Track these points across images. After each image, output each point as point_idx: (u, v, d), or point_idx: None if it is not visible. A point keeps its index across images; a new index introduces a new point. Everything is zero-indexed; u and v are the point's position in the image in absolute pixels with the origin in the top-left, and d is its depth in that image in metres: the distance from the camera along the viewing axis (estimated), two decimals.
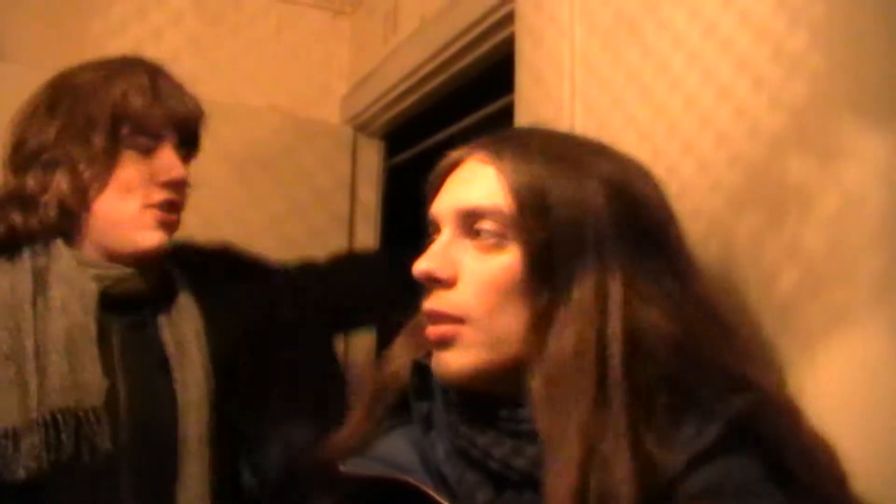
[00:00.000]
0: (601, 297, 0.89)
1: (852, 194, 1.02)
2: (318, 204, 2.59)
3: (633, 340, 0.88)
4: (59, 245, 1.43)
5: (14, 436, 1.29)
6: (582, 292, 0.89)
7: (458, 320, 0.94)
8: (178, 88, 1.52)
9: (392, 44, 2.65)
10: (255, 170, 2.50)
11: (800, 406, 0.97)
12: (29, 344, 1.34)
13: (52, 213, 1.42)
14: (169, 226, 1.47)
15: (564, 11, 1.59)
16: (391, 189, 2.91)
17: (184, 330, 1.49)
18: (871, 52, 1.03)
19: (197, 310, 1.53)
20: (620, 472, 0.83)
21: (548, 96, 1.61)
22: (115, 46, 2.57)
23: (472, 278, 0.94)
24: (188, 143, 1.52)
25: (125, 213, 1.44)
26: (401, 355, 1.08)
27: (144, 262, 1.47)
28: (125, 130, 1.44)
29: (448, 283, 0.95)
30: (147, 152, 1.46)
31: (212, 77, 2.68)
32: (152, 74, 1.51)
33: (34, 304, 1.38)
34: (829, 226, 1.04)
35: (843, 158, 1.04)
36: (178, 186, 1.47)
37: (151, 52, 2.61)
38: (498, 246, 0.93)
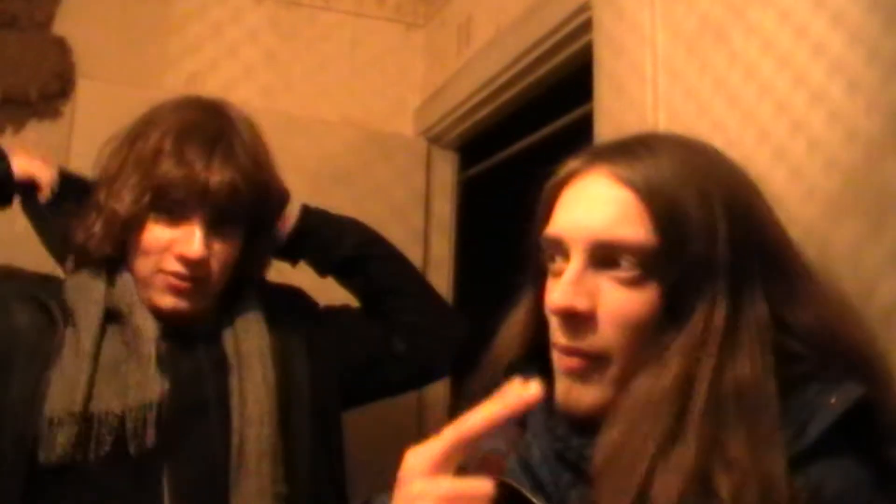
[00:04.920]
0: (706, 332, 0.86)
1: None
2: (393, 217, 2.58)
3: (718, 384, 0.85)
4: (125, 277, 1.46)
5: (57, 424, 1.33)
6: (693, 327, 0.86)
7: (598, 357, 0.90)
8: (235, 159, 1.44)
9: (466, 55, 2.65)
10: (330, 184, 2.51)
11: None
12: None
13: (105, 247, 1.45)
14: (181, 292, 1.43)
15: (646, 18, 1.57)
16: (466, 201, 2.90)
17: (248, 345, 1.48)
18: None
19: (264, 326, 1.52)
20: None
21: (630, 105, 1.59)
22: (192, 64, 2.63)
23: (612, 313, 0.89)
24: (219, 222, 1.45)
25: (142, 272, 1.44)
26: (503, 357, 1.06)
27: (170, 318, 1.45)
28: (152, 196, 1.42)
29: (586, 317, 0.90)
30: (173, 222, 1.43)
31: (287, 92, 2.72)
32: (213, 140, 1.44)
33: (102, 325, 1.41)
34: None
35: None
36: (192, 263, 1.42)
37: (227, 69, 2.70)
38: (639, 279, 0.88)
